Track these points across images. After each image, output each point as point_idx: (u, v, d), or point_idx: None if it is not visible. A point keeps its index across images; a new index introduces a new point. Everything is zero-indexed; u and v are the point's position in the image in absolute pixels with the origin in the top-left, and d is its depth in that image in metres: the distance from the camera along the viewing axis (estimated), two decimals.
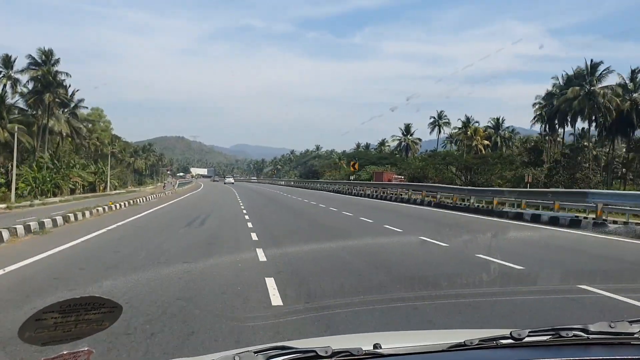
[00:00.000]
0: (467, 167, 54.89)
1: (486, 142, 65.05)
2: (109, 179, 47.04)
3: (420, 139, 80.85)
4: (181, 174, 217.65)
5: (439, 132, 76.90)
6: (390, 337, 2.11)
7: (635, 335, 1.42)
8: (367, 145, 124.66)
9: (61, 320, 1.20)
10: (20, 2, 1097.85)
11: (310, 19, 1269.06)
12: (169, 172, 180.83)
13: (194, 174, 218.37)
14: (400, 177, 51.30)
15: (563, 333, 1.43)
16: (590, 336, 1.43)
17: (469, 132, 65.49)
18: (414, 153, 78.46)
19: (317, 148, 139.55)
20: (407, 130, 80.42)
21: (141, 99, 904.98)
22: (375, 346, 1.36)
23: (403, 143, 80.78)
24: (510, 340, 1.40)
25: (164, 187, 40.49)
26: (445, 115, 76.60)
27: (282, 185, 78.50)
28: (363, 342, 1.39)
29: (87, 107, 57.83)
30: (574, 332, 1.43)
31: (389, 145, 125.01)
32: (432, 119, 76.82)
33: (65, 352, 1.20)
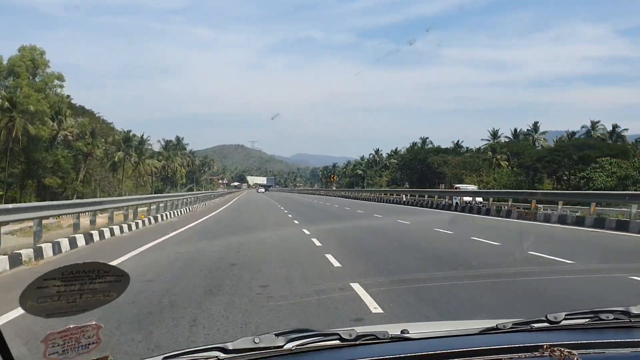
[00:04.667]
0: None
1: None
2: None
3: None
4: (236, 183, 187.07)
5: None
6: (419, 325, 1.91)
7: None
8: (516, 132, 77.25)
9: (64, 288, 1.05)
10: (90, 20, 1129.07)
11: (370, 28, 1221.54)
12: (220, 182, 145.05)
13: (252, 184, 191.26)
14: None
15: (603, 316, 1.36)
16: (633, 319, 1.35)
17: None
18: None
19: (424, 142, 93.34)
20: None
21: (202, 111, 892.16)
22: (403, 331, 1.34)
23: None
24: (546, 324, 1.34)
25: None
26: None
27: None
28: (390, 329, 1.35)
29: None
30: (614, 314, 1.36)
31: (544, 133, 77.93)
32: None
33: (72, 326, 1.09)
